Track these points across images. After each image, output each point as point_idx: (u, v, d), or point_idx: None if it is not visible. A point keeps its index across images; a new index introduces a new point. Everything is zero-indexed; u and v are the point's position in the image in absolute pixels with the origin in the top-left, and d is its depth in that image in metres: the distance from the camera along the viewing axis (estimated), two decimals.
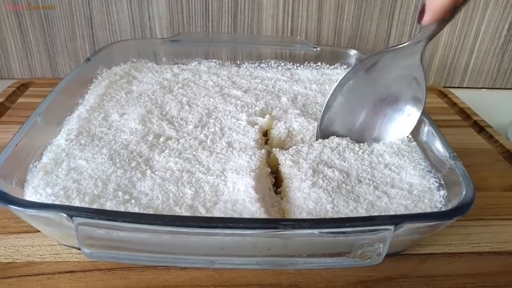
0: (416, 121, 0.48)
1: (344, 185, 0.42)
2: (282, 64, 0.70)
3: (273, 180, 0.46)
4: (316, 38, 0.79)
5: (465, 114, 0.70)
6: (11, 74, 0.78)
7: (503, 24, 0.79)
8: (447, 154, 0.43)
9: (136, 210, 0.37)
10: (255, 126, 0.51)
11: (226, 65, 0.69)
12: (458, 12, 0.40)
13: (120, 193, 0.38)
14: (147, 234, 0.32)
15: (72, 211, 0.31)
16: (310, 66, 0.70)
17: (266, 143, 0.51)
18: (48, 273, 0.38)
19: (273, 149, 0.48)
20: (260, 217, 0.36)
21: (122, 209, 0.37)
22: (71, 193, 0.38)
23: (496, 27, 0.79)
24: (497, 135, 0.63)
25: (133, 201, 0.38)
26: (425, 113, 0.49)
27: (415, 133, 0.49)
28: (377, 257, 0.34)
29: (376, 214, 0.38)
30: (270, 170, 0.46)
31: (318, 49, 0.69)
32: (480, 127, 0.66)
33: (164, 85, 0.61)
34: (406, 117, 0.49)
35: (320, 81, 0.65)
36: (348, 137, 0.49)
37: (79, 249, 0.34)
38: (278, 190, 0.44)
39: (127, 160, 0.43)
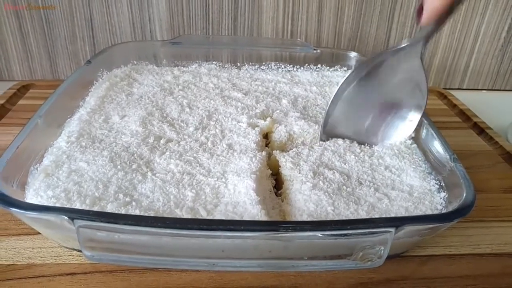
0: (417, 122, 0.48)
1: (344, 187, 0.42)
2: (282, 66, 0.70)
3: (274, 182, 0.46)
4: (316, 40, 0.79)
5: (465, 116, 0.70)
6: (11, 76, 0.78)
7: (502, 25, 0.79)
8: (448, 156, 0.43)
9: (137, 212, 0.37)
10: (256, 128, 0.51)
11: (226, 67, 0.69)
12: (454, 12, 0.40)
13: (121, 196, 0.38)
14: (148, 236, 0.32)
15: (73, 214, 0.31)
16: (310, 68, 0.70)
17: (266, 145, 0.51)
18: (49, 275, 0.38)
19: (274, 151, 0.48)
20: (261, 219, 0.36)
21: (123, 212, 0.37)
22: (72, 196, 0.38)
23: (496, 29, 0.79)
24: (497, 137, 0.63)
25: (134, 203, 0.38)
26: (425, 115, 0.49)
27: (416, 135, 0.49)
28: (378, 259, 0.34)
29: (376, 216, 0.38)
30: (270, 172, 0.46)
31: (318, 51, 0.69)
32: (480, 129, 0.66)
33: (164, 87, 0.61)
34: (408, 118, 0.49)
35: (320, 83, 0.65)
36: (350, 139, 0.49)
37: (80, 251, 0.34)
38: (279, 192, 0.44)
39: (127, 162, 0.43)
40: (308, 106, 0.58)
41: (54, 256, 0.40)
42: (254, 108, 0.56)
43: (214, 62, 0.69)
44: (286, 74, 0.69)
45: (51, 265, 0.39)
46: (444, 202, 0.40)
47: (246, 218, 0.36)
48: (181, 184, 0.41)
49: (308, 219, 0.37)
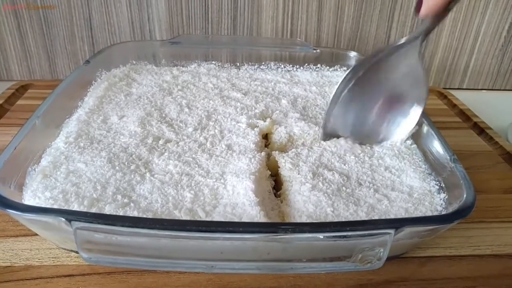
0: (418, 116, 0.48)
1: (344, 188, 0.41)
2: (282, 66, 0.70)
3: (273, 183, 0.45)
4: (315, 40, 0.79)
5: (465, 116, 0.70)
6: (10, 76, 0.78)
7: (503, 25, 0.79)
8: (448, 157, 0.43)
9: (135, 213, 0.36)
10: (255, 129, 0.51)
11: (225, 67, 0.69)
12: (453, 6, 0.40)
13: (119, 197, 0.38)
14: (145, 238, 0.32)
15: (71, 215, 0.31)
16: (310, 68, 0.70)
17: (266, 145, 0.51)
18: (47, 277, 0.37)
19: (273, 152, 0.48)
20: (259, 220, 0.36)
21: (121, 213, 0.36)
22: (69, 197, 0.38)
23: (496, 28, 0.79)
24: (497, 137, 0.63)
25: (132, 204, 0.38)
26: (425, 115, 0.49)
27: (415, 135, 0.49)
28: (378, 261, 0.34)
29: (376, 217, 0.38)
30: (270, 173, 0.45)
31: (318, 51, 0.69)
32: (480, 129, 0.66)
33: (163, 87, 0.61)
34: (409, 114, 0.48)
35: (320, 83, 0.65)
36: (352, 138, 0.49)
37: (78, 252, 0.34)
38: (278, 193, 0.44)
39: (126, 163, 0.43)
40: (308, 106, 0.58)
41: (52, 257, 0.39)
42: (253, 108, 0.56)
43: (213, 62, 0.69)
44: (285, 74, 0.68)
45: (49, 266, 0.38)
46: (444, 203, 0.40)
47: (245, 219, 0.36)
48: (179, 185, 0.41)
49: (307, 221, 0.37)
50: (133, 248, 0.34)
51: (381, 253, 0.33)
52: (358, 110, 0.49)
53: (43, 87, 0.72)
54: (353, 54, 0.68)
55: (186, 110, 0.54)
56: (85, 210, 0.36)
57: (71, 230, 0.31)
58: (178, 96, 0.58)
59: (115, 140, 0.47)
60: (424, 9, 0.40)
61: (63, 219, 0.31)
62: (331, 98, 0.49)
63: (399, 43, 0.45)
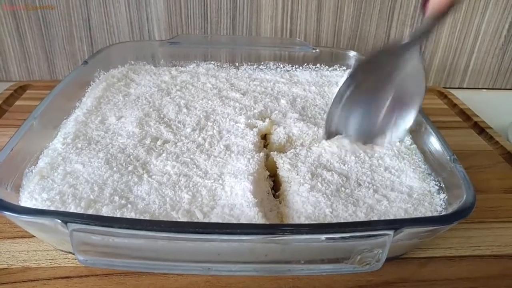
0: (414, 115, 0.47)
1: (343, 188, 0.41)
2: (281, 66, 0.69)
3: (272, 184, 0.45)
4: (315, 40, 0.78)
5: (465, 115, 0.70)
6: (9, 76, 0.78)
7: (503, 24, 0.78)
8: (447, 157, 0.42)
9: (132, 215, 0.36)
10: (254, 129, 0.50)
11: (224, 67, 0.69)
12: (453, 9, 0.40)
13: (116, 198, 0.38)
14: (142, 240, 0.32)
15: (67, 217, 0.31)
16: (309, 68, 0.69)
17: (265, 146, 0.51)
18: (44, 278, 0.37)
19: (271, 152, 0.47)
20: (258, 221, 0.36)
21: (118, 214, 0.36)
22: (66, 198, 0.37)
23: (496, 28, 0.79)
24: (497, 136, 0.63)
25: (129, 206, 0.37)
26: (425, 115, 0.48)
27: (415, 135, 0.49)
28: (376, 263, 0.33)
29: (375, 218, 0.38)
30: (268, 173, 0.45)
31: (317, 50, 0.68)
32: (481, 128, 0.66)
33: (162, 87, 0.61)
34: (408, 114, 0.48)
35: (319, 83, 0.65)
36: (355, 137, 0.48)
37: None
38: (277, 193, 0.44)
39: (123, 164, 0.43)
40: (307, 106, 0.58)
41: (49, 259, 0.39)
42: (252, 109, 0.55)
43: (212, 62, 0.69)
44: (284, 74, 0.68)
45: (46, 268, 0.38)
46: (444, 204, 0.40)
47: (243, 220, 0.36)
48: (177, 186, 0.40)
49: (306, 222, 0.37)
50: (129, 250, 0.33)
51: (380, 255, 0.33)
52: (362, 110, 0.49)
53: (41, 87, 0.71)
54: (352, 53, 0.68)
55: (185, 110, 0.54)
56: (82, 211, 0.36)
57: (67, 232, 0.31)
58: (177, 97, 0.58)
59: (113, 141, 0.47)
60: (432, 6, 0.39)
61: (59, 221, 0.31)
62: (333, 97, 0.48)
63: (403, 42, 0.45)
